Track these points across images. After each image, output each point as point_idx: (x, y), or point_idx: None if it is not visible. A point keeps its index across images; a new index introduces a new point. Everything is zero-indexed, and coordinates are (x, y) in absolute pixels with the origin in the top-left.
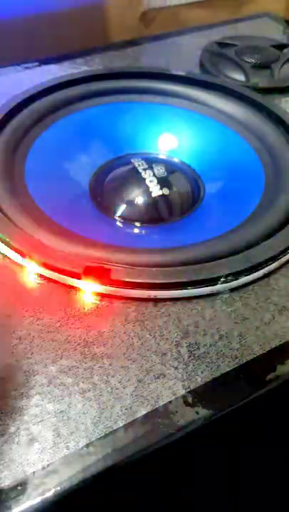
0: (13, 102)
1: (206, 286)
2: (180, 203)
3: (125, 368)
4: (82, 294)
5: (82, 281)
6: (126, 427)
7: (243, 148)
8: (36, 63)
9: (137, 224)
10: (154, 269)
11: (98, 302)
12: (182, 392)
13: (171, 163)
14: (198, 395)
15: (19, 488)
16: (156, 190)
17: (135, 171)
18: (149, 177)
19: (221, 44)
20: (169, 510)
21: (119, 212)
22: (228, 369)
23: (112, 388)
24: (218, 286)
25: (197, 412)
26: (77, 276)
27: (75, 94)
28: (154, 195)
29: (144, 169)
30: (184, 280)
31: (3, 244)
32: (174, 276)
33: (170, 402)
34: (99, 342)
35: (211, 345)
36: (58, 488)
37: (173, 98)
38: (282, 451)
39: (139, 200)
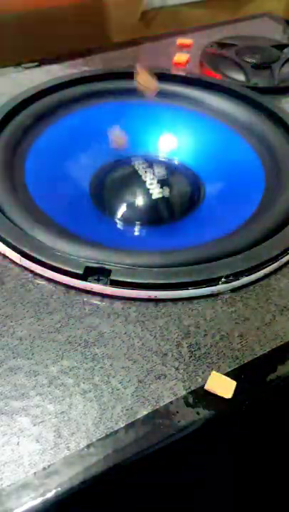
0: (13, 101)
1: (207, 286)
2: (180, 204)
3: (126, 369)
4: (83, 295)
5: (83, 282)
6: (127, 427)
7: (243, 148)
8: (36, 63)
9: (138, 225)
10: (155, 269)
11: (99, 303)
12: (183, 392)
13: (172, 164)
14: (199, 396)
15: (20, 489)
16: (156, 191)
17: (135, 171)
18: (149, 178)
19: (221, 44)
20: (169, 511)
21: (119, 213)
22: (228, 369)
23: (112, 389)
24: (219, 287)
25: (198, 413)
26: (78, 277)
27: (75, 94)
28: (154, 196)
29: (145, 170)
30: (185, 280)
31: (3, 244)
32: (174, 276)
33: (171, 402)
34: (99, 342)
35: (211, 346)
36: (59, 488)
37: (173, 98)
38: (283, 451)
39: (140, 200)
